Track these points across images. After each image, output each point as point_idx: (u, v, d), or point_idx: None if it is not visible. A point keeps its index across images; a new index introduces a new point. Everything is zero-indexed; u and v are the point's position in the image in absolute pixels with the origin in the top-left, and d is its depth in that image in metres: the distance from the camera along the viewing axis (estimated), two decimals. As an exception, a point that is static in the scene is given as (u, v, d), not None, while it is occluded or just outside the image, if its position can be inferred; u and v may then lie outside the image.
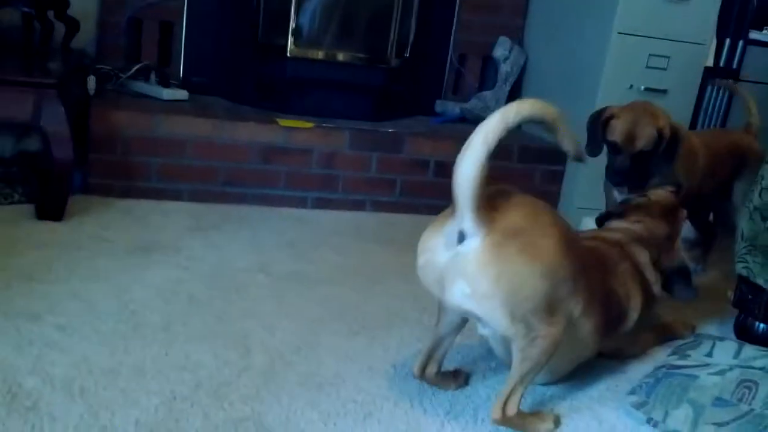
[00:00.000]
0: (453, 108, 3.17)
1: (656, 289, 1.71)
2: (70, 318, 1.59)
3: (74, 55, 2.61)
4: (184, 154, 2.51)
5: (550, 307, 1.30)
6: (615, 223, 1.77)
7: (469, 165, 1.20)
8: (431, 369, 1.50)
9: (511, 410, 1.35)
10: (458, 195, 1.23)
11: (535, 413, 1.46)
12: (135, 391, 1.36)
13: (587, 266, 1.45)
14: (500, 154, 2.83)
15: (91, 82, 2.52)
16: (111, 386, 1.36)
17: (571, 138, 1.28)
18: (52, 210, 2.15)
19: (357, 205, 2.74)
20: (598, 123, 2.12)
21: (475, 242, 1.25)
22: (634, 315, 1.63)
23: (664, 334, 1.89)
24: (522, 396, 1.36)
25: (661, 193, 1.83)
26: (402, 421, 1.39)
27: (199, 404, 1.34)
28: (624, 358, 1.75)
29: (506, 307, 1.26)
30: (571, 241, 1.36)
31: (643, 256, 1.68)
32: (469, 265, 1.26)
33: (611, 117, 2.10)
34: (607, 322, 1.54)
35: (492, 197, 1.29)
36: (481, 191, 1.22)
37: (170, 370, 1.44)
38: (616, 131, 2.07)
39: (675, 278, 1.73)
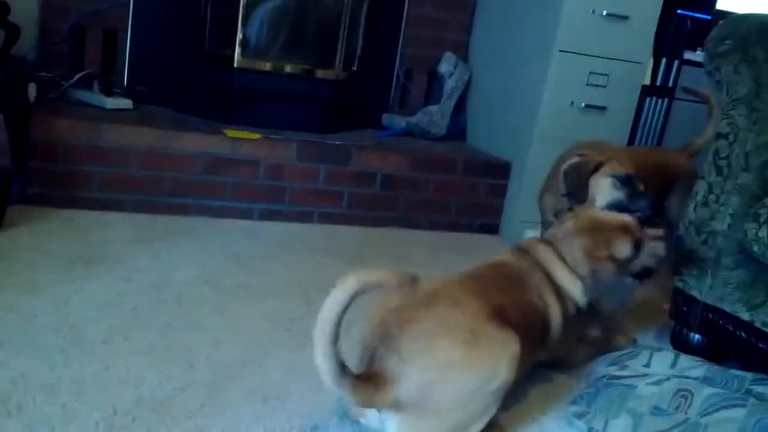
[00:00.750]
0: (399, 122, 3.20)
1: (575, 293, 1.66)
2: (6, 332, 1.55)
3: (14, 62, 2.54)
4: (128, 164, 2.47)
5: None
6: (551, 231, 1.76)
7: (323, 360, 1.19)
8: None
9: None
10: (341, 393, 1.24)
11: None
12: (75, 406, 1.33)
13: (501, 296, 1.47)
14: (445, 167, 2.90)
15: (32, 89, 2.47)
16: (50, 402, 1.33)
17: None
18: (-12, 220, 2.09)
19: (304, 217, 2.74)
20: (588, 173, 2.11)
21: (392, 424, 1.27)
22: (556, 321, 1.61)
23: (605, 346, 1.93)
24: None
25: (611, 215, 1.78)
26: (348, 433, 1.40)
27: (141, 419, 1.32)
28: (565, 369, 1.79)
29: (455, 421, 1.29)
30: (476, 315, 1.35)
31: (553, 262, 1.64)
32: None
33: (600, 164, 2.13)
34: (533, 338, 1.55)
35: (377, 366, 1.28)
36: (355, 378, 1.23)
37: (111, 385, 1.42)
38: (625, 167, 2.11)
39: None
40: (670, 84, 3.32)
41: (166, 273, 2.02)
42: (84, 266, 1.97)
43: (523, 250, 1.68)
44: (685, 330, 1.94)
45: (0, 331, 1.55)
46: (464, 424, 1.29)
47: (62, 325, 1.63)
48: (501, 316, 1.38)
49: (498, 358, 1.30)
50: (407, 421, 1.26)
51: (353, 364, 1.30)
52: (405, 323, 1.29)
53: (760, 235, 1.63)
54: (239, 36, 2.71)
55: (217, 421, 1.36)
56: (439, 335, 1.28)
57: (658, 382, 1.60)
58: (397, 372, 1.25)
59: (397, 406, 1.25)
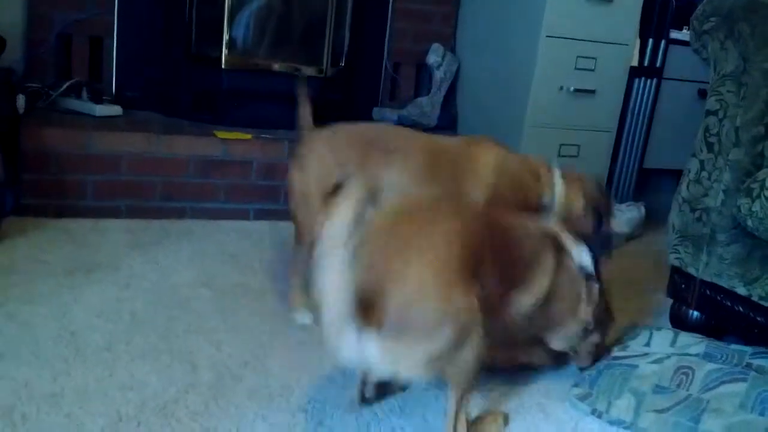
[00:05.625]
0: (390, 115, 3.20)
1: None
2: (7, 343, 1.55)
3: (1, 73, 2.53)
4: (120, 171, 2.47)
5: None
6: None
7: (335, 279, 1.10)
8: (369, 391, 1.49)
9: (462, 430, 1.34)
10: (330, 315, 1.14)
11: (484, 416, 1.47)
12: (79, 414, 1.33)
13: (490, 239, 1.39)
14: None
15: (21, 100, 2.45)
16: (54, 411, 1.33)
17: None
18: (-17, 233, 2.09)
19: (299, 215, 2.73)
20: None
21: (372, 345, 1.21)
22: (542, 286, 1.51)
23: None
24: (467, 410, 1.35)
25: None
26: (352, 427, 1.40)
27: (146, 424, 1.33)
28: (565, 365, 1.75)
29: (429, 365, 1.24)
30: (466, 256, 1.28)
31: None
32: (380, 361, 1.23)
33: None
34: (512, 273, 1.46)
35: (368, 290, 1.21)
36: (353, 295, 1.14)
37: (115, 391, 1.42)
38: None
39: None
40: (658, 64, 3.32)
41: (164, 277, 2.03)
42: (82, 274, 1.97)
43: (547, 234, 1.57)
44: (683, 308, 1.94)
45: (1, 342, 1.55)
46: (447, 350, 1.24)
47: (63, 333, 1.63)
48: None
49: (450, 296, 1.23)
50: (388, 347, 1.21)
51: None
52: (384, 256, 1.24)
53: (753, 209, 1.63)
54: (226, 37, 2.70)
55: (222, 421, 1.36)
56: (412, 260, 1.23)
57: (659, 361, 1.61)
58: (377, 294, 1.20)
59: (378, 328, 1.19)
